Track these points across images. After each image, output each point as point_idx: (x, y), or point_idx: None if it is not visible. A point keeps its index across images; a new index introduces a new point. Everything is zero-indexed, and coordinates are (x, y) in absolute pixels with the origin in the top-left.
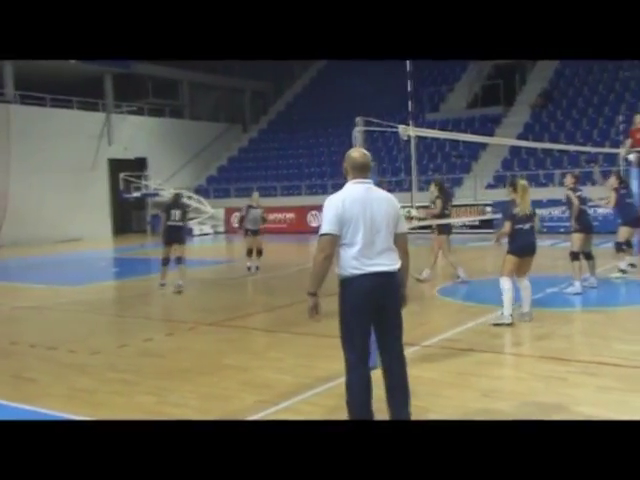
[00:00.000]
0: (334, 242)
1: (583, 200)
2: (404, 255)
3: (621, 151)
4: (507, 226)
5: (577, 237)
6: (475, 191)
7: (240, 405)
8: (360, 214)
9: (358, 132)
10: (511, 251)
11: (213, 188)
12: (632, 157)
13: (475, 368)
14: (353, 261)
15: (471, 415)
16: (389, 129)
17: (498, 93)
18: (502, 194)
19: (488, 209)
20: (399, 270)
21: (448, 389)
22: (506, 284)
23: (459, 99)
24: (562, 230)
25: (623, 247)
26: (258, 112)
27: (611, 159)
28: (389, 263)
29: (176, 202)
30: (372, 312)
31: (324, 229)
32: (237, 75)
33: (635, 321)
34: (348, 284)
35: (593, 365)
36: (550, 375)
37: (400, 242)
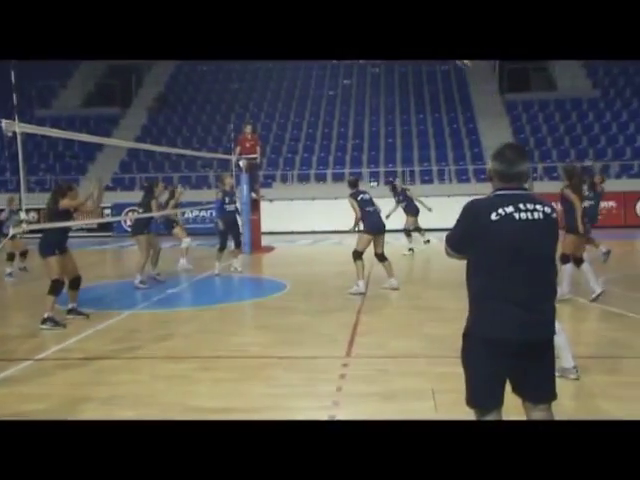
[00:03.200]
0: None
1: (367, 202)
2: None
3: (233, 157)
4: None
5: (365, 238)
6: None
7: None
8: None
9: None
10: None
11: None
12: (242, 163)
13: (94, 377)
14: None
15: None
16: None
17: (114, 93)
18: (121, 197)
19: (107, 212)
20: None
21: (62, 403)
22: None
23: (73, 96)
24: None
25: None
26: None
27: (224, 164)
28: None
29: None
30: None
31: None
32: None
33: (245, 315)
34: None
35: (210, 360)
36: (171, 374)
37: None
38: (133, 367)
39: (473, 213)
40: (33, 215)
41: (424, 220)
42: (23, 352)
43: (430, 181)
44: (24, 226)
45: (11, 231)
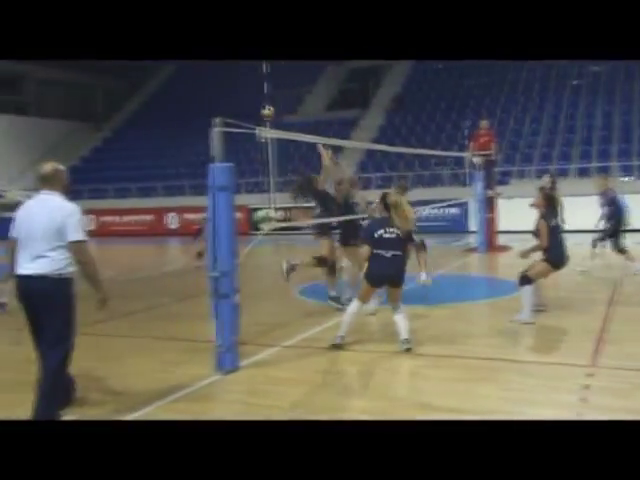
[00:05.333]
0: (10, 244)
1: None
2: (80, 264)
3: (467, 155)
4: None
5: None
6: None
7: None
8: (22, 222)
9: (216, 133)
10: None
11: None
12: (477, 160)
13: (332, 366)
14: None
15: (326, 413)
16: (247, 130)
17: (354, 96)
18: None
19: None
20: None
21: (304, 387)
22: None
23: (317, 102)
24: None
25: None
26: (111, 110)
27: (459, 162)
28: (37, 267)
29: None
30: (29, 312)
31: None
32: (87, 70)
33: (478, 315)
34: None
35: (441, 358)
36: (402, 370)
37: (72, 251)
38: (367, 359)
39: None
40: (281, 213)
41: None
42: (272, 339)
43: None
44: (274, 223)
45: (265, 227)
